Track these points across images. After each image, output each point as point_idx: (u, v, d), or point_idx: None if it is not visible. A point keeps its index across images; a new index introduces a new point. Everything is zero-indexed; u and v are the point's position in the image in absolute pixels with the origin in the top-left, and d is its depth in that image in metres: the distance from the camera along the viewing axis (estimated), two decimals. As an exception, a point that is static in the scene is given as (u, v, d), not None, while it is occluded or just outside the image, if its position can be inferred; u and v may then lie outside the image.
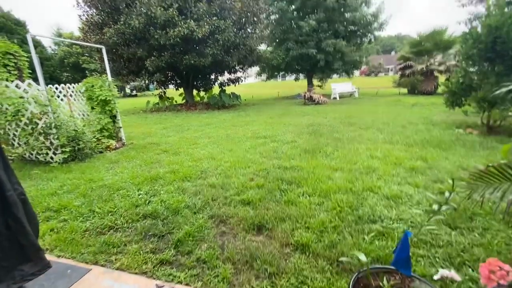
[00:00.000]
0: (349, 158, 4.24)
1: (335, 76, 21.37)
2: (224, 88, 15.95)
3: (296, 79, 23.16)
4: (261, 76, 22.39)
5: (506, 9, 5.38)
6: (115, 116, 6.32)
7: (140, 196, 3.23)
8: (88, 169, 4.41)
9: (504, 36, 5.14)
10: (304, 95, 14.34)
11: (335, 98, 16.54)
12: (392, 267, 1.32)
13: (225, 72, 15.76)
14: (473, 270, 1.79)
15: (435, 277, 1.02)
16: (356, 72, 30.26)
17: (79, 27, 13.50)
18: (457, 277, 0.94)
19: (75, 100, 6.79)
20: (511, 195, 1.12)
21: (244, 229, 2.47)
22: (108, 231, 2.56)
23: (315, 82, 21.91)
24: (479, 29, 5.71)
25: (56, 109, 4.97)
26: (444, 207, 1.08)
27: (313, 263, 1.97)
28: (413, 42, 16.75)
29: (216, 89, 16.11)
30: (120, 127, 6.42)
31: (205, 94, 16.21)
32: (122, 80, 15.38)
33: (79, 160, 4.95)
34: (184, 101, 15.93)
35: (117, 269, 2.06)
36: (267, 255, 2.07)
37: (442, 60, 15.70)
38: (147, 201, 3.08)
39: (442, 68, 15.15)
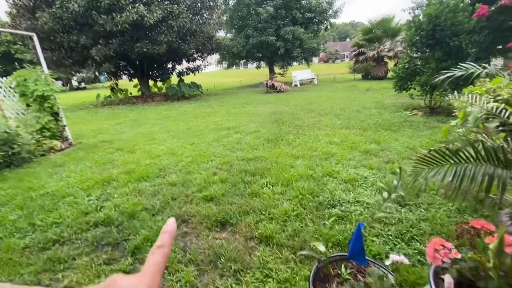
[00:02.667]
0: (310, 145, 4.35)
1: (295, 63, 21.73)
2: (183, 77, 15.20)
3: (258, 67, 23.06)
4: (222, 64, 21.85)
5: (443, -1, 5.86)
6: (57, 114, 5.62)
7: (91, 202, 2.93)
8: (26, 176, 3.87)
9: (443, 24, 5.62)
10: (266, 83, 14.37)
11: (296, 85, 16.88)
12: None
13: (183, 60, 14.99)
14: (420, 244, 1.96)
15: (387, 263, 1.06)
16: (315, 59, 31.18)
17: (6, 11, 11.61)
18: (406, 260, 0.99)
19: (5, 97, 5.86)
20: (451, 176, 1.21)
21: (207, 227, 2.38)
22: (53, 246, 2.27)
23: (277, 69, 22.06)
24: (421, 17, 6.16)
25: (-21, 109, 4.24)
26: (393, 195, 1.13)
27: (277, 254, 1.98)
28: (365, 29, 17.63)
29: (174, 79, 15.29)
30: (65, 126, 5.75)
31: (163, 84, 15.31)
32: (65, 72, 13.80)
33: (15, 166, 4.32)
34: (139, 93, 14.87)
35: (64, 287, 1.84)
36: (232, 251, 2.02)
37: (391, 46, 16.85)
38: (99, 207, 2.80)
39: (391, 54, 16.27)
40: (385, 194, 1.16)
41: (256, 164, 3.69)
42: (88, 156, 4.64)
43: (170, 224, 0.34)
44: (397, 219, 2.25)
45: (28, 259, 2.13)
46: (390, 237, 2.05)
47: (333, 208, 2.50)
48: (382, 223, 2.21)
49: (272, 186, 3.04)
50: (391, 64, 16.72)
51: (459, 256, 1.09)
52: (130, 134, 6.24)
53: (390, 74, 14.07)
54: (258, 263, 1.90)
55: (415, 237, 2.04)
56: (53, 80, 5.60)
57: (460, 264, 1.05)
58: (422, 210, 2.37)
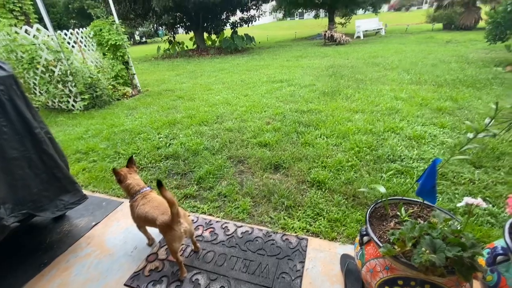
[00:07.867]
0: (371, 100, 4.02)
1: (360, 12, 19.01)
2: (236, 29, 14.84)
3: (316, 16, 20.90)
4: (277, 12, 20.43)
5: None
6: (127, 63, 6.19)
7: (160, 139, 3.33)
8: (108, 115, 4.53)
9: None
10: (324, 34, 13.13)
11: (358, 37, 15.06)
12: (411, 199, 1.32)
13: (237, 10, 14.44)
14: (493, 206, 1.78)
15: (459, 205, 1.00)
16: (385, 7, 26.71)
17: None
18: (484, 204, 0.91)
19: (85, 46, 6.64)
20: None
21: (261, 168, 2.53)
22: (134, 170, 2.72)
23: (338, 19, 19.74)
24: None
25: (69, 56, 4.91)
26: (481, 134, 0.99)
27: (329, 197, 2.04)
28: (458, -37, 14.06)
29: (228, 32, 15.05)
30: (134, 74, 6.34)
31: (217, 37, 15.26)
32: (130, 25, 14.65)
33: (99, 107, 5.06)
34: (195, 46, 15.17)
35: (146, 202, 2.24)
36: (284, 190, 2.15)
37: (491, -15, 13.30)
38: (168, 144, 3.18)
39: (488, -5, 12.94)
40: (469, 135, 1.03)
41: (310, 116, 3.62)
42: (155, 102, 5.13)
43: None
44: (468, 179, 2.05)
45: (117, 178, 2.61)
46: (456, 195, 1.90)
47: (392, 163, 2.38)
48: (449, 181, 2.04)
49: (327, 137, 2.99)
50: (485, 9, 13.43)
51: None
52: (188, 84, 6.60)
53: (482, 23, 11.46)
54: (309, 203, 2.00)
55: (487, 198, 1.85)
56: (123, 30, 6.05)
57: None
58: (502, 173, 2.10)
